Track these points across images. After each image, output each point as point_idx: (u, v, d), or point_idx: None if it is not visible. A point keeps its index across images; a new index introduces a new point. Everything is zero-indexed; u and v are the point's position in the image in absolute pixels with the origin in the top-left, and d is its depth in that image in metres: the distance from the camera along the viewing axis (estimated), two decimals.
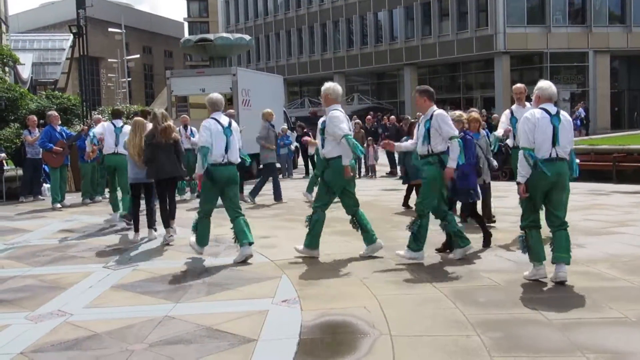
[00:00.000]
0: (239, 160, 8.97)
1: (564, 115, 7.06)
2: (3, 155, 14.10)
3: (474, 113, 10.34)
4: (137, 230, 10.55)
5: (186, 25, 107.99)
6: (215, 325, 5.84)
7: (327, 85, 8.68)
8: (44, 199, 16.45)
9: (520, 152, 7.00)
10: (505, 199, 13.21)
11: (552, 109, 6.98)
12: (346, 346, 5.23)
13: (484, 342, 5.17)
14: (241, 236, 8.55)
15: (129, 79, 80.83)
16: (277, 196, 14.66)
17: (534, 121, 6.88)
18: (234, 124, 9.04)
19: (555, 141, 6.84)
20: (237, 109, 19.83)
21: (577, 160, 7.27)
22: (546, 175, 6.79)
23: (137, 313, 6.41)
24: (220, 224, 11.45)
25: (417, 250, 8.13)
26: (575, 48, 46.88)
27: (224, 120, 8.87)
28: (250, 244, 8.58)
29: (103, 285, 7.59)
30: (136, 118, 11.13)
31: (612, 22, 47.99)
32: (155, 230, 10.62)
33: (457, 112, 9.30)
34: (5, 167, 16.80)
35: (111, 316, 6.36)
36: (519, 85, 10.27)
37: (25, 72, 37.27)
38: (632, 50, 47.61)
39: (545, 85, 7.17)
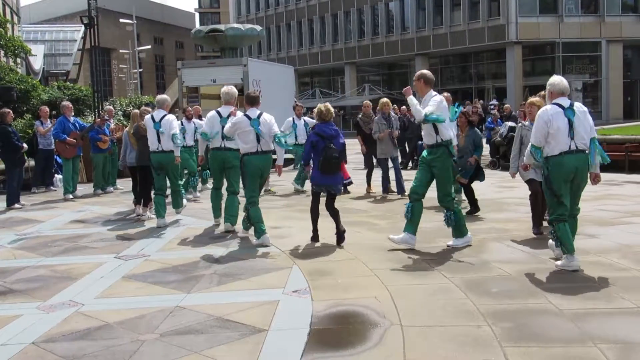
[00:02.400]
0: (171, 149, 10.95)
1: (578, 106, 7.13)
2: (25, 146, 14.11)
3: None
4: (137, 203, 12.13)
5: (197, 15, 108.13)
6: (226, 316, 5.85)
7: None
8: (55, 190, 16.53)
9: (529, 147, 7.25)
10: (516, 189, 13.16)
11: (565, 103, 7.07)
12: (357, 336, 5.23)
13: (494, 333, 5.17)
14: (161, 210, 10.97)
15: (140, 69, 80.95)
16: (384, 189, 13.92)
17: (546, 119, 7.00)
18: (165, 119, 10.89)
19: (571, 134, 6.93)
20: None
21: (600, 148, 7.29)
22: (564, 167, 6.93)
23: (148, 303, 6.43)
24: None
25: (246, 228, 9.69)
26: (588, 38, 46.59)
27: (157, 116, 10.96)
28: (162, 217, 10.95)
29: (114, 276, 7.62)
30: (134, 111, 13.23)
31: (625, 12, 47.66)
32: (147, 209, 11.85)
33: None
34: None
35: (122, 306, 6.38)
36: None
37: (37, 63, 37.42)
38: None
39: (556, 80, 7.27)
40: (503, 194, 13.23)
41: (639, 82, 50.37)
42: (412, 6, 53.91)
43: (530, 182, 9.08)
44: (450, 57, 55.04)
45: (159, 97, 11.61)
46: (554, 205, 7.14)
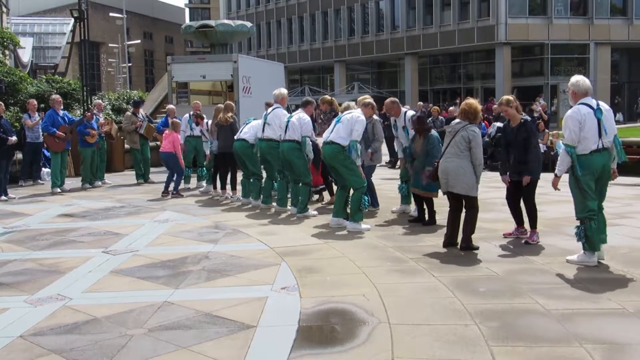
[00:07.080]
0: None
1: (603, 105, 7.39)
2: (14, 139, 13.98)
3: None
4: (222, 188, 13.57)
5: (187, 11, 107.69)
6: (215, 311, 5.85)
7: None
8: (43, 184, 16.47)
9: (562, 147, 7.38)
10: (503, 189, 13.14)
11: (593, 103, 7.27)
12: (345, 334, 5.24)
13: (482, 332, 5.19)
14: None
15: (130, 64, 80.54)
16: None
17: (579, 119, 7.15)
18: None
19: (600, 133, 7.15)
20: (238, 96, 19.82)
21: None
22: (594, 166, 7.15)
23: (136, 298, 6.42)
24: (219, 211, 11.50)
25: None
26: (577, 40, 46.85)
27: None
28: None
29: (102, 270, 7.60)
30: (218, 105, 14.48)
31: (614, 14, 47.96)
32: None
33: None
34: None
35: (110, 301, 6.37)
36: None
37: (25, 56, 37.10)
38: (633, 42, 47.65)
39: (580, 80, 7.43)
40: (490, 194, 13.26)
41: (626, 85, 50.74)
42: (402, 5, 54.01)
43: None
44: (440, 57, 55.19)
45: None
46: (583, 203, 7.27)
